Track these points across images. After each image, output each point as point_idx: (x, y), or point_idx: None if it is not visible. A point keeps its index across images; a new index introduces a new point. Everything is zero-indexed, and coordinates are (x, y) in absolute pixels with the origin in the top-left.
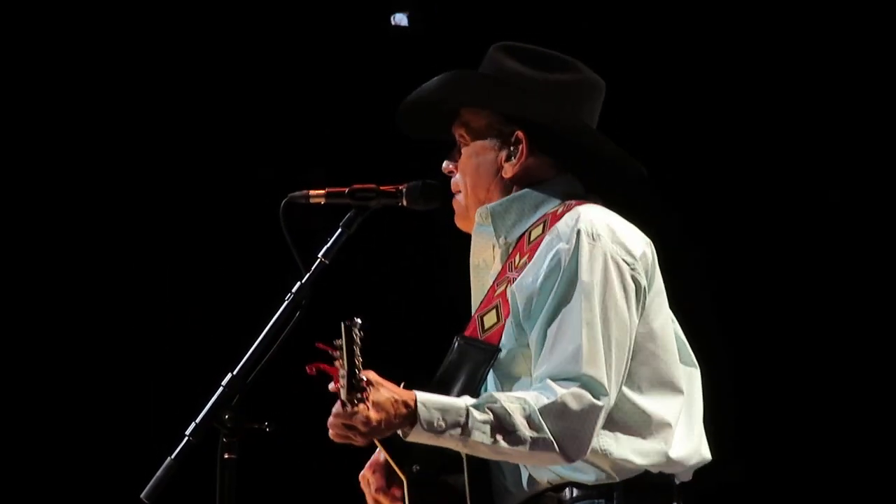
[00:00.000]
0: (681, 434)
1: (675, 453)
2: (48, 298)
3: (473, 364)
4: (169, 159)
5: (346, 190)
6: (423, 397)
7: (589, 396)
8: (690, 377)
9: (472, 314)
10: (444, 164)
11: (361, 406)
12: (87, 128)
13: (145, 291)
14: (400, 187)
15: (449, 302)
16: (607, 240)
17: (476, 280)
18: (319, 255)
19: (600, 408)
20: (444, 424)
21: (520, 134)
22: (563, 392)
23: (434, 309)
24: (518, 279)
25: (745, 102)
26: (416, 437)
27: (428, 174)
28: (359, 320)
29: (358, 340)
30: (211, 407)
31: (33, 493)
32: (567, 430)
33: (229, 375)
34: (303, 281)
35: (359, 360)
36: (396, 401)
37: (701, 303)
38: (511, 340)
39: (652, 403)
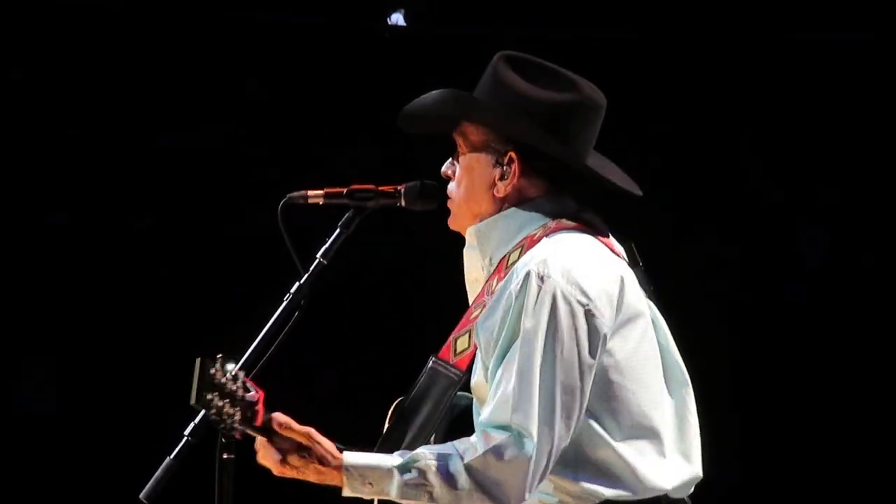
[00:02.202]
0: (658, 459)
1: (655, 480)
2: (51, 298)
3: (440, 389)
4: (171, 160)
5: (345, 190)
6: (349, 461)
7: (514, 448)
8: (681, 397)
9: (449, 334)
10: (444, 167)
11: (276, 440)
12: (88, 128)
13: (144, 291)
14: (398, 188)
15: (442, 302)
16: (559, 279)
17: (472, 294)
18: (318, 256)
19: (527, 457)
20: (371, 486)
21: (513, 154)
22: (492, 443)
23: (428, 309)
24: (480, 318)
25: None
26: (349, 493)
27: (426, 174)
28: (220, 355)
29: (220, 374)
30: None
31: (33, 494)
32: (493, 481)
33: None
34: (301, 281)
35: (237, 388)
36: (321, 460)
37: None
38: (479, 368)
39: (623, 436)
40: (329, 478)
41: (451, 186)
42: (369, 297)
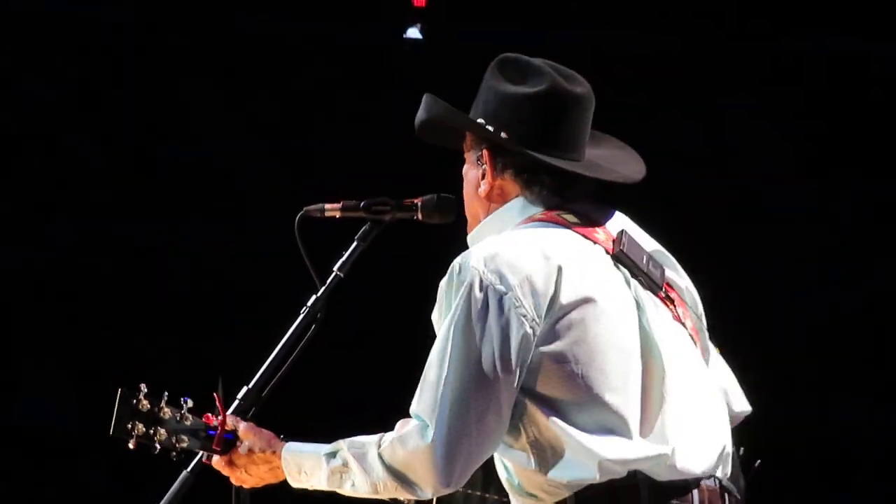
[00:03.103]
0: (623, 441)
1: (618, 462)
2: (67, 310)
3: None
4: (186, 173)
5: (362, 203)
6: (287, 449)
7: (416, 436)
8: (661, 378)
9: None
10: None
11: (224, 458)
12: (95, 138)
13: (160, 303)
14: (415, 201)
15: None
16: (478, 267)
17: None
18: (335, 269)
19: (426, 446)
20: (306, 475)
21: (485, 152)
22: (400, 432)
23: None
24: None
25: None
26: (294, 485)
27: (443, 187)
28: (143, 386)
29: (146, 404)
30: (223, 421)
31: None
32: (402, 471)
33: (245, 388)
34: (318, 294)
35: (181, 418)
36: (260, 455)
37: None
38: None
39: (582, 422)
40: (278, 471)
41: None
42: (394, 302)
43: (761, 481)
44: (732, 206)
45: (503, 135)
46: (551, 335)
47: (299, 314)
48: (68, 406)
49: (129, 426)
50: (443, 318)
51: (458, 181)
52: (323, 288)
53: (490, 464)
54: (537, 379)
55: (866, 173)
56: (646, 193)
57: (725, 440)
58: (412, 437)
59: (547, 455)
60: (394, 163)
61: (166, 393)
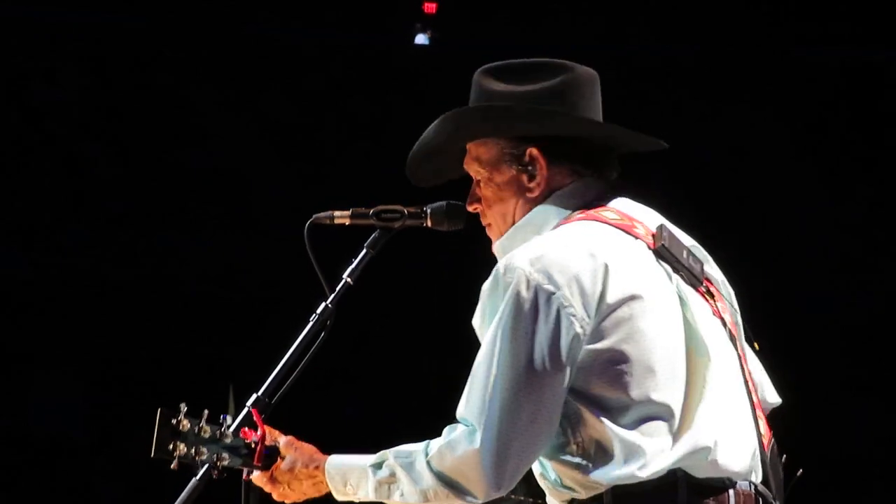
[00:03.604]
0: (666, 439)
1: (664, 455)
2: (78, 317)
3: None
4: (197, 180)
5: (371, 211)
6: (331, 462)
7: (465, 441)
8: (708, 369)
9: None
10: (469, 206)
11: (267, 474)
12: (109, 146)
13: (172, 311)
14: (424, 208)
15: None
16: (525, 268)
17: None
18: (344, 276)
19: (475, 450)
20: (352, 487)
21: (533, 151)
22: (448, 438)
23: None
24: (474, 314)
25: None
26: (339, 498)
27: (452, 195)
28: (183, 406)
29: (186, 423)
30: (236, 427)
31: None
32: (452, 477)
33: (254, 396)
34: (328, 301)
35: (221, 436)
36: (303, 470)
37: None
38: None
39: (626, 420)
40: (322, 485)
41: (484, 215)
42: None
43: (799, 488)
44: (746, 211)
45: (555, 126)
46: (599, 333)
47: (308, 321)
48: (78, 412)
49: (171, 447)
50: (486, 322)
51: (467, 188)
52: (332, 295)
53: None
54: (585, 378)
55: (882, 178)
56: (663, 198)
57: (756, 441)
58: (461, 443)
59: (591, 454)
60: (403, 170)
61: (206, 411)
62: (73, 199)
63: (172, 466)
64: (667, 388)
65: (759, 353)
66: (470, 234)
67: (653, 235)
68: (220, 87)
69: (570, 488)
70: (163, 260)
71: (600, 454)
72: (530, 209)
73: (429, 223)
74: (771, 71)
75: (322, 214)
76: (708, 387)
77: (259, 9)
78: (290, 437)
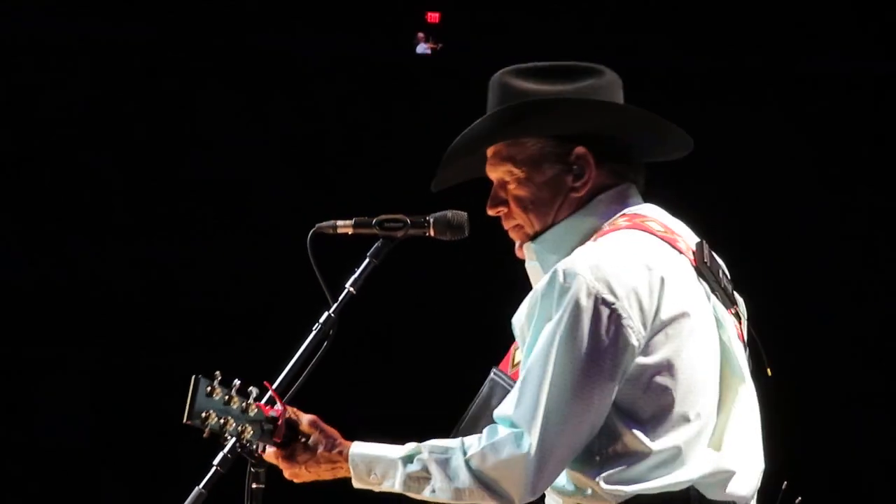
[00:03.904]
0: (694, 454)
1: (688, 474)
2: (82, 322)
3: (497, 400)
4: (202, 190)
5: (374, 220)
6: (356, 450)
7: (512, 445)
8: (735, 393)
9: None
10: (491, 210)
11: (286, 452)
12: (115, 158)
13: (174, 321)
14: (427, 217)
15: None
16: (588, 276)
17: None
18: (347, 285)
19: (522, 455)
20: (376, 477)
21: (581, 150)
22: (492, 439)
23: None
24: (516, 313)
25: None
26: (358, 485)
27: (455, 204)
28: (217, 373)
29: (219, 392)
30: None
31: None
32: (492, 478)
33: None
34: (330, 311)
35: (246, 405)
36: (326, 453)
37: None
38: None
39: (657, 435)
40: (340, 470)
41: (510, 217)
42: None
43: None
44: (749, 221)
45: (605, 126)
46: (650, 348)
47: (311, 331)
48: (83, 422)
49: (204, 414)
50: (534, 323)
51: (471, 197)
52: (335, 304)
53: None
54: (628, 390)
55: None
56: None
57: (761, 469)
58: (507, 446)
59: (614, 465)
60: (406, 179)
61: (237, 381)
62: (80, 208)
63: (204, 435)
64: (703, 408)
65: (771, 378)
66: (473, 244)
67: (693, 252)
68: (225, 97)
69: (581, 491)
70: (168, 270)
71: (625, 464)
72: (574, 210)
73: (432, 233)
74: (779, 82)
75: (325, 224)
76: (736, 410)
77: (264, 19)
78: (313, 417)
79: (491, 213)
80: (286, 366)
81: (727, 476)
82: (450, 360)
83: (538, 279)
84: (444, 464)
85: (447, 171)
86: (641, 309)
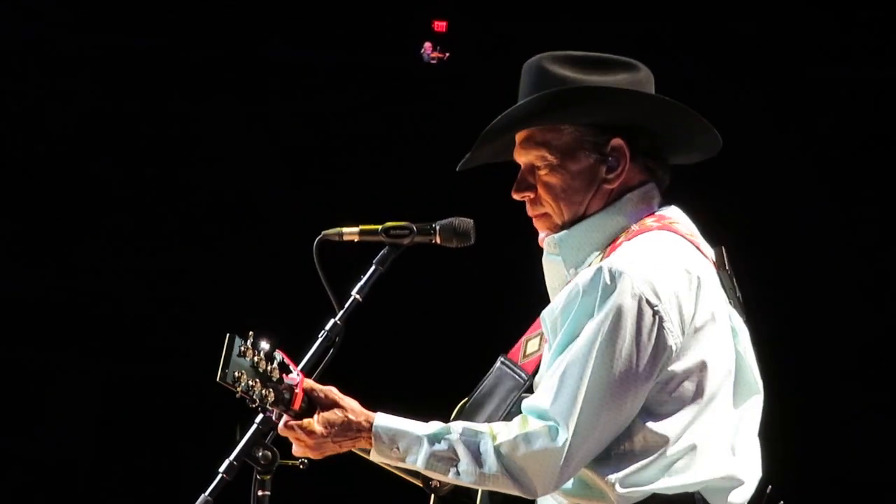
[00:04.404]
0: (708, 457)
1: (699, 478)
2: (87, 333)
3: (506, 390)
4: (207, 197)
5: (380, 227)
6: (381, 422)
7: (546, 438)
8: (746, 403)
9: (521, 336)
10: (516, 192)
11: (307, 420)
12: (118, 164)
13: (179, 330)
14: (433, 225)
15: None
16: (633, 276)
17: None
18: (353, 293)
19: (557, 449)
20: (398, 451)
21: (618, 141)
22: (526, 429)
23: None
24: (546, 309)
25: None
26: (376, 458)
27: (461, 210)
28: (251, 333)
29: (251, 352)
30: (245, 444)
31: None
32: (520, 468)
33: (263, 413)
34: (336, 318)
35: (271, 369)
36: (349, 420)
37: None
38: (543, 364)
39: (675, 438)
40: (362, 440)
41: (536, 203)
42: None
43: None
44: (755, 229)
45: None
46: (683, 351)
47: (317, 338)
48: (87, 436)
49: (237, 374)
50: (574, 317)
51: (477, 203)
52: (341, 312)
53: None
54: (653, 392)
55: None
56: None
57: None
58: (541, 438)
59: (629, 464)
60: (411, 186)
61: (265, 343)
62: (85, 219)
63: (237, 395)
64: (720, 414)
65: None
66: (478, 251)
67: (714, 257)
68: (230, 106)
69: (594, 493)
70: (175, 280)
71: (638, 467)
72: (604, 206)
73: (438, 240)
74: (787, 90)
75: (331, 231)
76: (747, 420)
77: (271, 29)
78: (330, 387)
79: (516, 197)
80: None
81: (734, 485)
82: (456, 366)
83: (557, 274)
84: (473, 447)
85: (482, 151)
86: (681, 313)
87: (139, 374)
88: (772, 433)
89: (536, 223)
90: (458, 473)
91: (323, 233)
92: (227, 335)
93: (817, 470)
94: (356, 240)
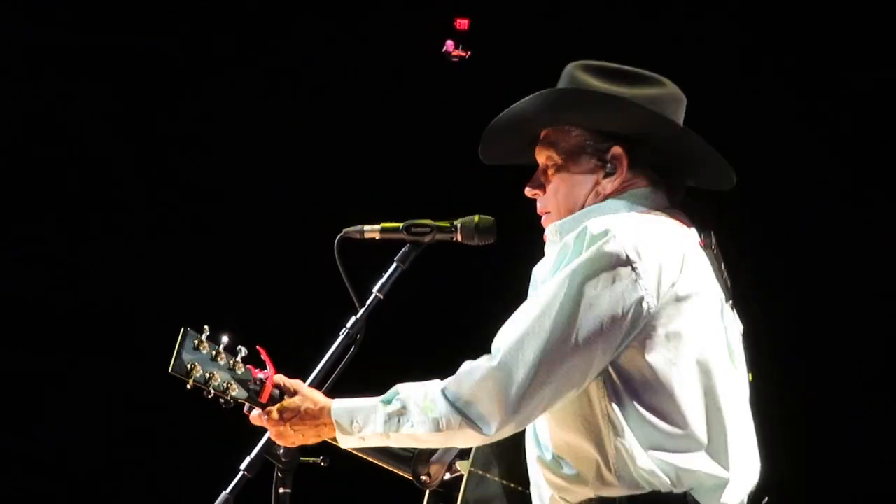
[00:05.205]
0: (690, 445)
1: (680, 461)
2: (108, 331)
3: None
4: (225, 197)
5: (401, 225)
6: (337, 404)
7: (485, 364)
8: (731, 378)
9: None
10: (528, 189)
11: (269, 408)
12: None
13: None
14: (455, 222)
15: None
16: (618, 233)
17: None
18: (374, 290)
19: (491, 370)
20: (358, 425)
21: (618, 149)
22: (467, 366)
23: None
24: (535, 268)
25: None
26: (344, 443)
27: (483, 208)
28: (206, 327)
29: (206, 346)
30: (266, 441)
31: None
32: (466, 402)
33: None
34: (358, 315)
35: (234, 363)
36: (305, 408)
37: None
38: None
39: (669, 428)
40: (324, 427)
41: (543, 202)
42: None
43: None
44: (774, 230)
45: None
46: (662, 318)
47: (338, 335)
48: (93, 435)
49: (189, 366)
50: (553, 268)
51: (497, 201)
52: (363, 309)
53: (519, 454)
54: (635, 356)
55: None
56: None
57: (755, 478)
58: (480, 367)
59: (628, 457)
60: (433, 183)
61: (225, 338)
62: (92, 224)
63: (188, 386)
64: (709, 387)
65: (751, 384)
66: (500, 249)
67: (701, 238)
68: (245, 100)
69: (587, 484)
70: (180, 284)
71: (634, 457)
72: (593, 202)
73: (459, 238)
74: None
75: (352, 229)
76: (733, 413)
77: (285, 21)
78: (297, 381)
79: (527, 193)
80: (314, 370)
81: (725, 482)
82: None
83: None
84: (421, 397)
85: (495, 148)
86: (660, 278)
87: (139, 375)
88: (790, 435)
89: (543, 221)
90: (412, 425)
91: (344, 230)
92: (182, 328)
93: (833, 474)
94: (377, 237)
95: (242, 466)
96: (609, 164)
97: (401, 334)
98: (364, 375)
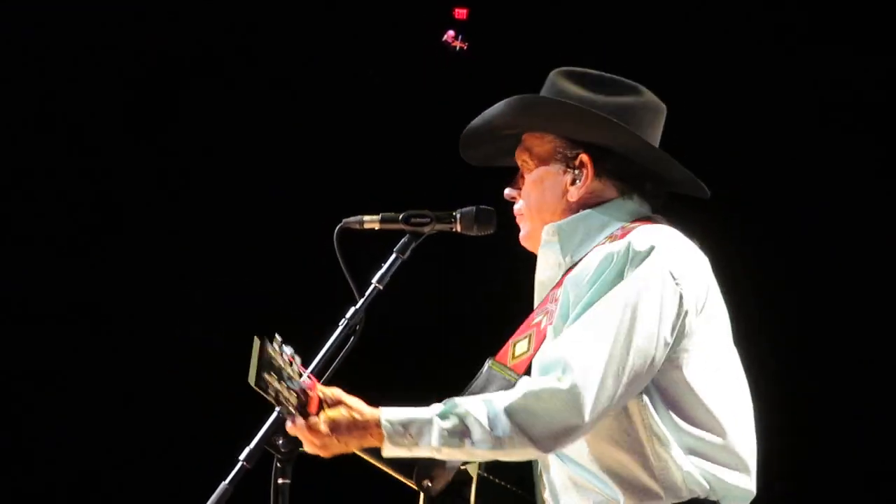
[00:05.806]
0: (724, 458)
1: (722, 487)
2: (110, 325)
3: (495, 391)
4: (227, 193)
5: (401, 216)
6: (388, 414)
7: (552, 382)
8: (744, 397)
9: (508, 339)
10: (507, 191)
11: (313, 420)
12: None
13: (200, 318)
14: (454, 213)
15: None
16: (662, 251)
17: (540, 296)
18: (374, 281)
19: (564, 390)
20: (412, 437)
21: (584, 157)
22: (532, 385)
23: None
24: (569, 277)
25: None
26: (390, 452)
27: (482, 199)
28: (278, 336)
29: (278, 356)
30: (265, 432)
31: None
32: (530, 422)
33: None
34: (357, 306)
35: (292, 372)
36: (354, 419)
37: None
38: (554, 337)
39: (696, 422)
40: (370, 437)
41: (519, 204)
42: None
43: None
44: (783, 224)
45: (612, 138)
46: (696, 335)
47: (338, 326)
48: (95, 441)
49: (267, 377)
50: (602, 280)
51: (497, 191)
52: (362, 300)
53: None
54: (670, 369)
55: None
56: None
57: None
58: (548, 386)
59: (668, 466)
60: (433, 174)
61: (288, 348)
62: (91, 225)
63: (269, 399)
64: (728, 405)
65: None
66: (502, 239)
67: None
68: (242, 96)
69: (631, 496)
70: (182, 288)
71: (680, 464)
72: (566, 214)
73: (458, 228)
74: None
75: (351, 219)
76: (747, 418)
77: (286, 19)
78: (336, 388)
79: (505, 195)
80: (312, 361)
81: (749, 495)
82: (471, 357)
83: (550, 263)
84: (482, 415)
85: (475, 150)
86: (696, 294)
87: (158, 361)
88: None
89: (518, 221)
90: (473, 444)
91: (343, 220)
92: (256, 338)
93: (844, 464)
94: (377, 228)
95: (241, 457)
96: (576, 171)
97: (399, 326)
98: (364, 366)
